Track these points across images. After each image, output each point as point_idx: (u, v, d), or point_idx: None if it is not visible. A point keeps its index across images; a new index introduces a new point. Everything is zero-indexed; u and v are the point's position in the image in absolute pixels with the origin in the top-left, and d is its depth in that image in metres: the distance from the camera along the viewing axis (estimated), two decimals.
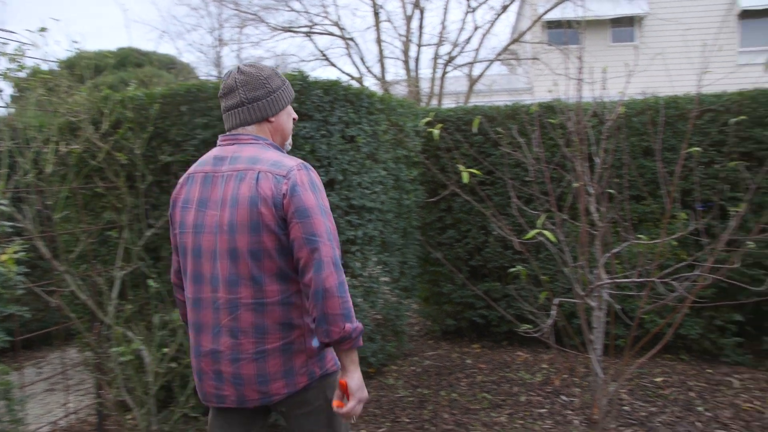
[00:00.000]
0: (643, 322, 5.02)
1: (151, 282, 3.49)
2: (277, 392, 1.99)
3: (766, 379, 4.62)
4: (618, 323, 4.95)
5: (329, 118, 3.82)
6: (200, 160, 2.10)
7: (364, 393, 1.96)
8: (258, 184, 1.91)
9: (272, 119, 2.09)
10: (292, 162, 1.97)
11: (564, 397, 4.37)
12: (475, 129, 2.99)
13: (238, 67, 2.09)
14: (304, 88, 3.58)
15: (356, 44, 13.29)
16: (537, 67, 12.88)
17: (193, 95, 3.68)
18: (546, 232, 2.12)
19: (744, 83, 5.12)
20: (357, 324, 1.90)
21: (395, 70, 21.10)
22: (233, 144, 2.05)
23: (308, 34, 12.72)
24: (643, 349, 4.16)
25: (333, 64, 13.10)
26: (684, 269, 4.82)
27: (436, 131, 2.95)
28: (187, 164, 3.69)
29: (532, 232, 2.11)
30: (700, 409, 4.12)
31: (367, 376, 4.89)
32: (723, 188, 4.69)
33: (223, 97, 2.10)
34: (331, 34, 12.89)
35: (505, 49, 12.50)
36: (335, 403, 1.98)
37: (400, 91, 12.45)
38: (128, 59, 10.81)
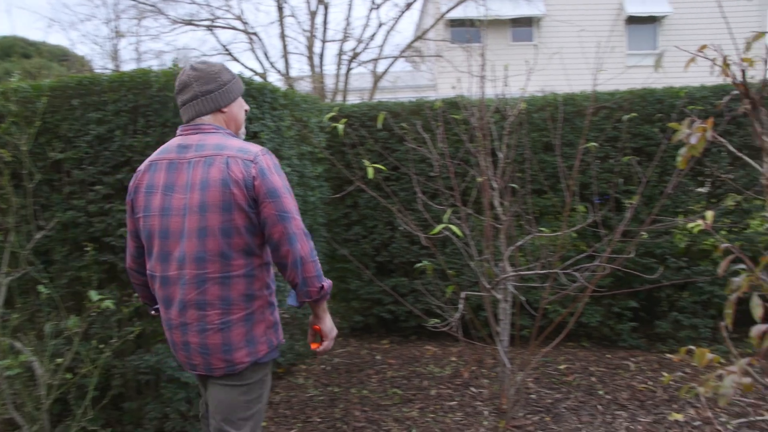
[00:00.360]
0: (546, 312, 5.17)
1: (41, 288, 3.26)
2: (241, 361, 2.19)
3: (657, 361, 4.86)
4: (523, 314, 5.08)
5: None
6: (161, 148, 2.27)
7: (335, 331, 2.35)
8: (229, 168, 2.10)
9: (225, 110, 2.28)
10: (256, 148, 2.18)
11: (473, 389, 4.43)
12: (379, 125, 2.97)
13: (191, 65, 2.27)
14: None
15: (260, 39, 13.05)
16: (440, 65, 13.09)
17: (85, 88, 3.46)
18: (452, 227, 2.12)
19: (632, 83, 5.36)
20: (328, 281, 2.22)
21: (300, 66, 20.83)
22: (197, 133, 2.22)
23: (210, 28, 12.30)
24: (548, 339, 4.28)
25: (236, 59, 12.80)
26: (584, 260, 5.00)
27: (340, 126, 2.91)
28: (80, 161, 3.47)
29: (439, 227, 2.11)
30: (601, 392, 4.28)
31: (276, 376, 4.79)
32: (618, 182, 4.89)
33: (179, 93, 2.28)
34: (233, 28, 12.57)
35: (409, 46, 12.60)
36: (312, 345, 2.35)
37: (305, 87, 12.31)
38: (13, 49, 10.12)
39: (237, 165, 2.10)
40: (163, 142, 3.27)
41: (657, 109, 4.82)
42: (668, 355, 4.96)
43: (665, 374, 4.57)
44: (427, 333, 5.60)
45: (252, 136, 3.96)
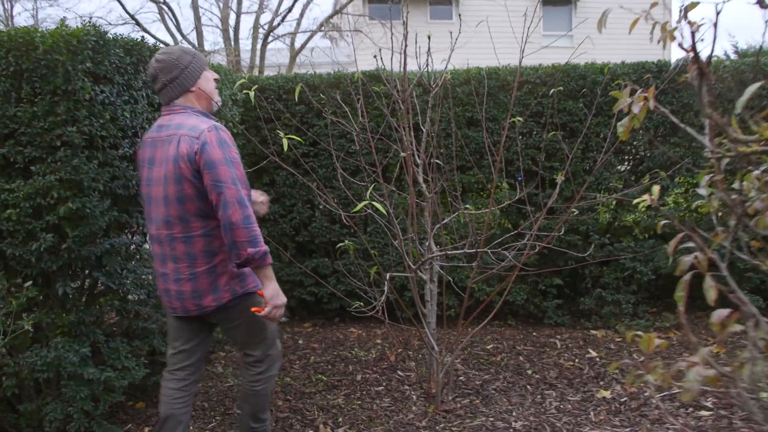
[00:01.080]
0: (473, 292, 5.08)
1: None
2: (208, 305, 2.63)
3: (582, 337, 4.86)
4: (449, 293, 4.96)
5: (133, 82, 3.34)
6: (151, 128, 2.72)
7: (279, 300, 2.55)
8: (179, 145, 2.50)
9: (192, 89, 2.68)
10: (205, 125, 2.52)
11: (400, 373, 4.28)
12: (296, 97, 2.74)
13: (155, 57, 2.65)
14: (100, 47, 3.07)
15: (170, 10, 12.38)
16: (360, 40, 12.81)
17: None
18: (376, 204, 1.92)
19: (547, 63, 5.28)
20: (260, 248, 2.46)
21: (214, 39, 20.03)
22: (169, 114, 2.66)
23: None
24: (475, 318, 4.18)
25: (145, 30, 12.11)
26: (510, 238, 4.93)
27: (251, 93, 2.65)
28: None
29: (360, 205, 1.90)
30: (529, 372, 4.22)
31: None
32: (541, 158, 4.83)
33: (152, 83, 2.71)
34: None
35: (327, 20, 12.26)
36: (254, 309, 2.60)
37: (220, 60, 11.79)
38: None
39: (185, 142, 2.49)
40: (54, 112, 2.91)
41: (580, 85, 4.76)
42: (593, 332, 4.97)
43: (591, 351, 4.57)
44: (350, 315, 5.40)
45: (158, 107, 3.62)
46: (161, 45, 4.40)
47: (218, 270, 2.62)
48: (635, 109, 1.62)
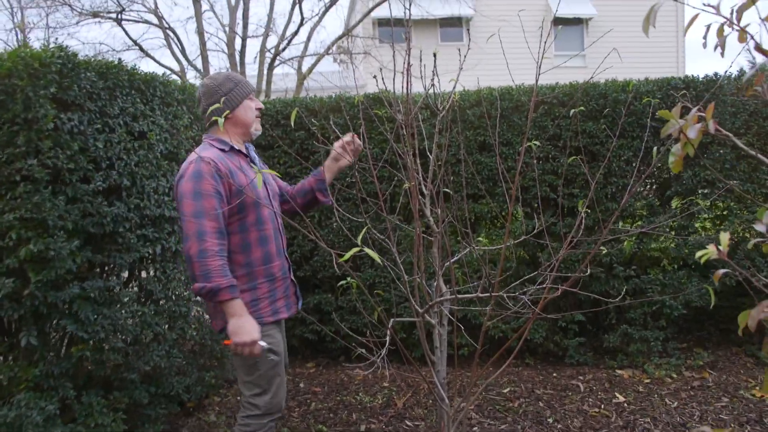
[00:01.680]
0: (488, 330, 4.70)
1: None
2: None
3: (607, 378, 4.45)
4: (461, 332, 4.58)
5: (108, 109, 3.03)
6: None
7: (240, 337, 2.44)
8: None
9: (230, 115, 2.66)
10: (193, 156, 2.51)
11: (408, 423, 3.90)
12: (292, 122, 2.44)
13: (201, 82, 2.79)
14: (68, 70, 2.77)
15: (176, 35, 12.19)
16: (369, 63, 12.56)
17: None
18: (368, 251, 1.58)
19: (563, 82, 4.93)
20: (207, 284, 2.38)
21: (219, 64, 19.89)
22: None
23: (118, 21, 11.15)
24: (489, 356, 3.79)
25: (149, 56, 11.88)
26: (526, 270, 4.56)
27: (220, 120, 2.34)
28: None
29: (350, 252, 1.56)
30: (550, 420, 3.82)
31: (186, 413, 4.13)
32: (560, 184, 4.47)
33: (197, 107, 2.98)
34: (146, 22, 11.67)
35: (335, 42, 12.01)
36: (225, 341, 2.50)
37: None
38: None
39: (177, 173, 2.56)
40: (13, 143, 2.61)
41: (601, 104, 4.40)
42: (618, 371, 4.56)
43: (618, 395, 4.16)
44: (356, 350, 5.02)
45: (138, 136, 3.32)
46: (167, 71, 4.13)
47: None
48: (691, 134, 1.27)
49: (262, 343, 2.51)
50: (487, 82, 5.19)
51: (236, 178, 2.55)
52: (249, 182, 2.60)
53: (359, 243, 1.73)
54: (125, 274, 3.54)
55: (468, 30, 19.92)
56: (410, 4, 2.76)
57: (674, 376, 4.44)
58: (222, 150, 2.61)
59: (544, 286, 2.73)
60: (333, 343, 4.97)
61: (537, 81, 2.85)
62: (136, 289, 3.66)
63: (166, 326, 3.72)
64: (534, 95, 2.38)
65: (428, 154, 3.12)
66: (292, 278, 2.87)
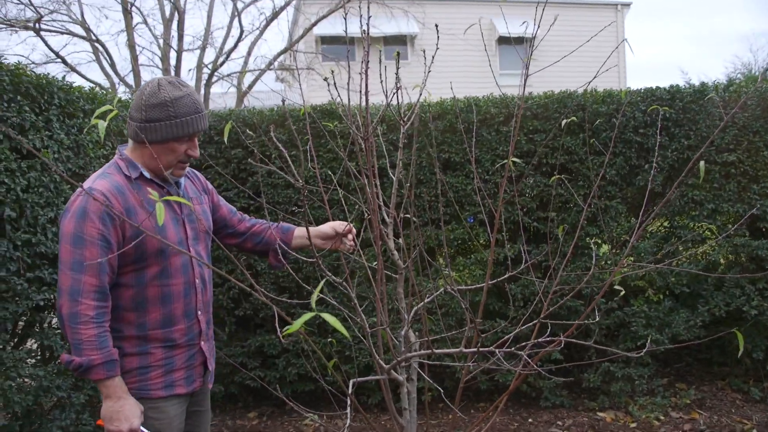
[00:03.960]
0: (454, 371, 4.15)
1: None
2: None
3: (589, 423, 3.96)
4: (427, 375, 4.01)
5: None
6: None
7: (114, 425, 1.94)
8: None
9: (146, 147, 2.04)
10: (87, 183, 1.98)
11: None
12: (225, 137, 1.89)
13: (145, 83, 2.07)
14: None
15: (105, 48, 11.36)
16: (312, 80, 11.99)
17: None
18: (326, 316, 1.01)
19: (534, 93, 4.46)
20: (81, 358, 1.88)
21: None
22: None
23: (36, 31, 10.09)
24: (452, 397, 3.23)
25: (74, 70, 10.98)
26: (496, 302, 4.05)
27: (101, 124, 1.68)
28: None
29: (298, 323, 0.98)
30: None
31: None
32: (534, 207, 3.97)
33: None
34: (71, 33, 10.80)
35: (277, 57, 11.41)
36: (98, 421, 2.01)
37: None
38: None
39: None
40: None
41: (579, 117, 3.91)
42: (600, 414, 4.07)
43: None
44: (306, 398, 4.38)
45: (27, 155, 2.65)
46: (96, 87, 3.46)
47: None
48: None
49: (144, 430, 2.02)
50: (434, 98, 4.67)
51: (136, 218, 2.00)
52: (154, 224, 2.02)
53: (313, 301, 1.16)
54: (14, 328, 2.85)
55: (413, 48, 19.67)
56: (368, 20, 2.17)
57: (662, 417, 3.98)
58: (127, 177, 2.05)
59: (544, 340, 2.20)
60: (279, 389, 4.33)
61: (524, 84, 2.37)
62: (34, 345, 2.97)
63: (71, 389, 3.03)
64: (522, 104, 1.88)
65: (389, 173, 2.57)
66: (203, 345, 2.23)
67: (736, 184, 3.95)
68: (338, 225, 2.48)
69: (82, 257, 1.90)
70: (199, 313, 2.19)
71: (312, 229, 2.44)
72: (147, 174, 2.08)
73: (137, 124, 2.01)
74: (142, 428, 1.99)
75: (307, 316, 1.11)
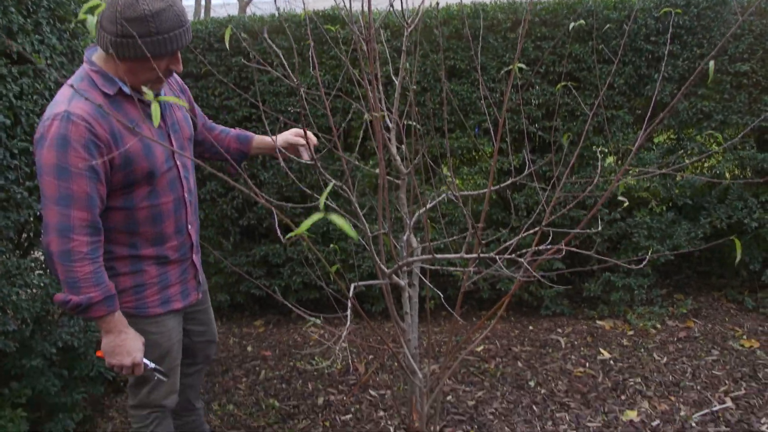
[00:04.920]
0: (457, 278, 4.21)
1: None
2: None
3: (588, 331, 4.05)
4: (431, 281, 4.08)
5: None
6: None
7: (116, 359, 1.93)
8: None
9: (119, 62, 1.83)
10: (59, 108, 1.77)
11: (372, 392, 3.41)
12: (227, 43, 1.83)
13: None
14: None
15: None
16: None
17: None
18: (333, 217, 1.00)
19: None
20: (79, 297, 1.80)
21: None
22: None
23: None
24: (463, 315, 3.31)
25: None
26: (500, 213, 4.06)
27: (90, 18, 1.60)
28: None
29: (305, 225, 0.98)
30: (532, 383, 3.39)
31: (115, 389, 3.53)
32: (540, 115, 3.91)
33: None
34: None
35: None
36: (98, 352, 2.00)
37: None
38: None
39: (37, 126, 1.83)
40: None
41: (589, 24, 3.79)
42: (599, 322, 4.16)
43: (603, 351, 3.75)
44: (310, 306, 4.48)
45: (16, 60, 2.59)
46: None
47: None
48: None
49: (147, 362, 2.05)
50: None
51: (122, 143, 1.86)
52: (143, 143, 1.92)
53: (321, 205, 1.16)
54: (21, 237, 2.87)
55: None
56: None
57: (658, 326, 4.06)
58: (105, 95, 1.87)
59: (545, 247, 2.21)
60: (284, 297, 4.42)
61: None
62: (39, 254, 3.01)
63: None
64: (529, 12, 1.81)
65: (393, 79, 2.52)
66: (194, 258, 2.24)
67: (747, 95, 3.86)
68: (290, 135, 2.43)
69: (68, 190, 1.77)
70: (190, 226, 2.17)
71: (268, 138, 2.45)
72: (126, 89, 1.90)
73: (111, 38, 1.76)
74: (144, 360, 2.02)
75: (315, 217, 1.10)
